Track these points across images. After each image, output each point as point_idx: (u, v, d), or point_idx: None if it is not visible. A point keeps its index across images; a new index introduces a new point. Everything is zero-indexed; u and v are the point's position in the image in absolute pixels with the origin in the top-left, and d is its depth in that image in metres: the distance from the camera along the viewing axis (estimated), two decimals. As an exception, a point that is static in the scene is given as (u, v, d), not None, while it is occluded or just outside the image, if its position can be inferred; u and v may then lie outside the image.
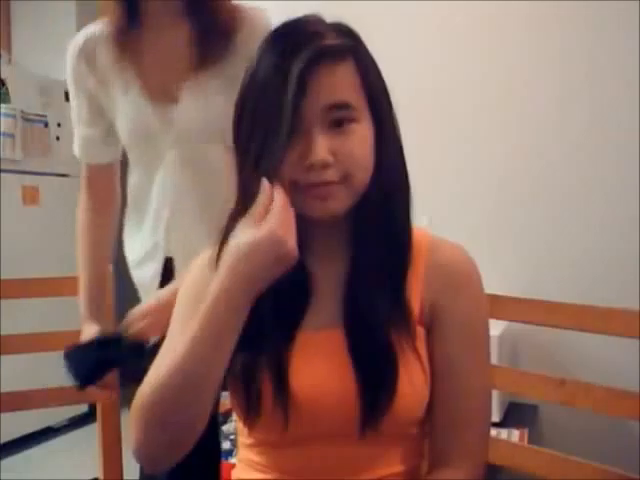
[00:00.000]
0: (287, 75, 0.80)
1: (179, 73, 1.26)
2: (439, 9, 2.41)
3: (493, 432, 1.57)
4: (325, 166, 0.81)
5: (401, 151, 0.89)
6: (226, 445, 1.84)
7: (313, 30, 0.84)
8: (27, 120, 3.21)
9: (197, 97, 1.25)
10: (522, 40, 2.32)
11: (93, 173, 1.41)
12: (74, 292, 1.44)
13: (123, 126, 1.31)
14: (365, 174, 0.84)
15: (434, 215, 2.01)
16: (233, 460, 1.48)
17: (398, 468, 0.89)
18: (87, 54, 1.32)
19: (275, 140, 0.80)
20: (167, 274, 1.32)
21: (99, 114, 1.36)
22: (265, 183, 0.79)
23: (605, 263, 2.22)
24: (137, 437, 0.81)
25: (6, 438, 3.02)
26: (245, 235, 0.78)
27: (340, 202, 0.83)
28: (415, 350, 0.86)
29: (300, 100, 0.80)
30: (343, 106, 0.82)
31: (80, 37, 1.33)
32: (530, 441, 1.88)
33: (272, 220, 0.77)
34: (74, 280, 1.37)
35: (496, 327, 1.78)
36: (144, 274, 1.36)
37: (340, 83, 0.82)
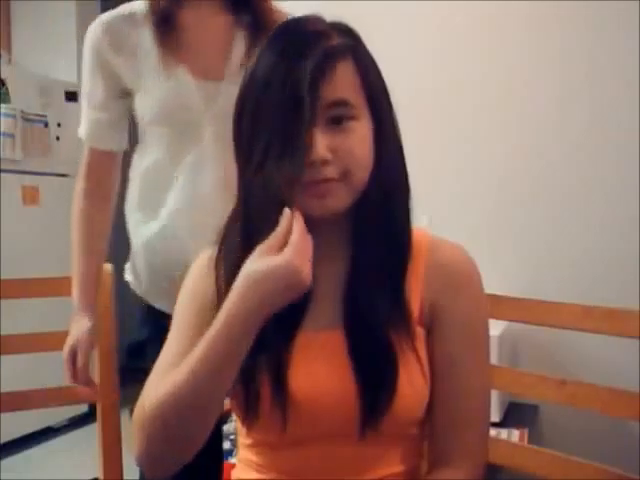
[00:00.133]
0: (290, 75, 0.80)
1: (223, 53, 1.28)
2: (439, 9, 2.41)
3: (493, 432, 1.57)
4: (324, 163, 0.81)
5: (401, 150, 0.90)
6: (226, 445, 1.84)
7: (314, 30, 0.84)
8: (27, 120, 3.21)
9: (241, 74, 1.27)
10: (522, 40, 2.32)
11: (95, 159, 1.39)
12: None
13: (154, 106, 1.30)
14: (364, 172, 0.84)
15: (434, 215, 2.00)
16: (233, 460, 1.48)
17: (398, 468, 0.89)
18: (113, 34, 1.31)
19: (279, 141, 0.80)
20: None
21: (116, 97, 1.35)
22: (286, 211, 0.79)
23: (605, 263, 2.21)
24: (140, 448, 0.82)
25: (6, 438, 3.02)
26: (261, 263, 0.77)
27: (339, 200, 0.83)
28: (415, 350, 0.86)
29: (316, 101, 0.79)
30: (342, 103, 0.82)
31: (105, 18, 1.33)
32: (530, 441, 1.88)
33: (290, 251, 0.76)
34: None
35: (496, 327, 1.78)
36: (166, 248, 1.33)
37: (340, 82, 0.82)
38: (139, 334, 1.41)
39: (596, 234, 2.24)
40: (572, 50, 2.26)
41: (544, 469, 1.15)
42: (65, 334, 1.34)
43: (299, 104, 0.79)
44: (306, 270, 0.76)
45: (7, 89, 3.12)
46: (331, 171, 0.81)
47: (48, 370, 2.51)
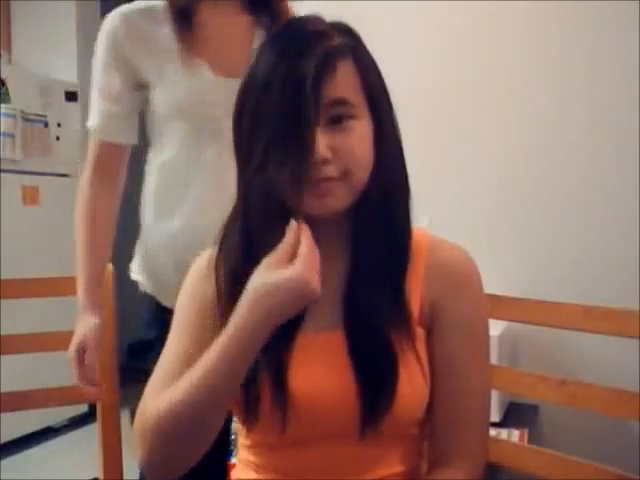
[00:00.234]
0: (291, 75, 0.80)
1: (243, 51, 1.28)
2: (439, 9, 2.40)
3: (493, 432, 1.56)
4: (325, 162, 0.81)
5: (401, 150, 0.90)
6: (226, 445, 1.83)
7: (314, 30, 0.84)
8: (27, 120, 3.21)
9: None
10: (522, 40, 2.32)
11: (104, 152, 1.37)
12: (74, 292, 1.44)
13: (173, 100, 1.30)
14: (364, 172, 0.84)
15: (434, 215, 2.00)
16: (233, 460, 1.48)
17: (398, 468, 0.89)
18: (131, 26, 1.32)
19: (281, 141, 0.80)
20: None
21: (131, 89, 1.34)
22: (293, 223, 0.79)
23: (605, 263, 2.21)
24: (142, 456, 0.82)
25: (6, 438, 3.02)
26: (271, 276, 0.76)
27: (339, 199, 0.83)
28: (415, 351, 0.86)
29: (318, 100, 0.79)
30: (342, 102, 0.82)
31: (123, 10, 1.33)
32: (530, 441, 1.88)
33: (300, 263, 0.76)
34: (74, 280, 1.37)
35: (496, 327, 1.78)
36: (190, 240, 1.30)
37: (340, 81, 0.82)
38: (145, 333, 1.40)
39: (596, 234, 2.23)
40: (572, 50, 2.26)
41: (544, 469, 1.15)
42: (65, 334, 1.34)
43: (301, 104, 0.79)
44: (315, 281, 0.76)
45: (7, 89, 3.12)
46: (331, 170, 0.81)
47: (48, 370, 2.51)
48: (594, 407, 1.11)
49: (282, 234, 0.82)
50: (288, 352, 0.84)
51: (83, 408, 3.29)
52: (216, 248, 0.91)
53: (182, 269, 1.30)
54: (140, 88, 1.34)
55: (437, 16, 2.42)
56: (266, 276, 0.77)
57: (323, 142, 0.80)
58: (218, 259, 0.90)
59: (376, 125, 0.86)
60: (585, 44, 2.25)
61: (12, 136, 3.12)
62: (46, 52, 3.63)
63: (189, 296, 0.92)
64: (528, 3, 2.29)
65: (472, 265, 0.92)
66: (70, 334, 1.42)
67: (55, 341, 1.39)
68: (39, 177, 3.29)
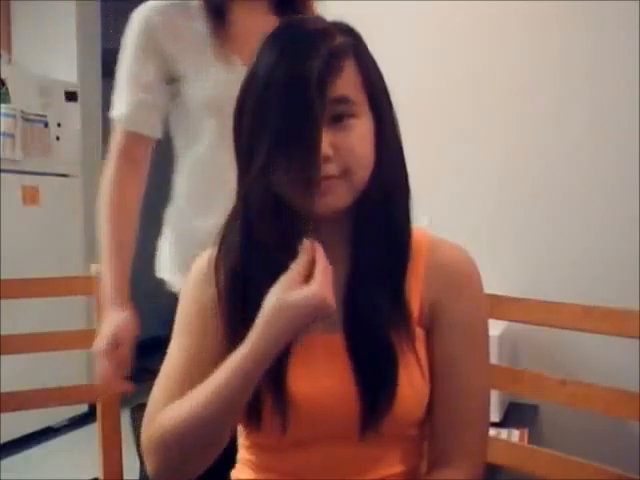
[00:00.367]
0: (295, 74, 0.79)
1: None
2: (439, 9, 2.41)
3: (493, 432, 1.57)
4: (326, 160, 0.80)
5: (401, 150, 0.89)
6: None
7: (316, 29, 0.84)
8: (27, 120, 3.21)
9: None
10: (522, 40, 2.32)
11: (130, 143, 1.34)
12: (74, 292, 1.44)
13: (206, 96, 1.29)
14: (365, 171, 0.84)
15: (434, 215, 2.00)
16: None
17: (398, 468, 0.89)
18: (167, 18, 1.32)
19: (286, 141, 0.79)
20: None
21: (162, 80, 1.33)
22: (307, 243, 0.80)
23: (605, 263, 2.21)
24: (157, 471, 0.83)
25: (6, 438, 3.02)
26: (288, 295, 0.77)
27: (339, 198, 0.83)
28: (415, 351, 0.86)
29: (323, 100, 0.79)
30: (343, 100, 0.82)
31: (157, 4, 1.33)
32: (530, 441, 1.88)
33: (317, 282, 0.77)
34: (74, 280, 1.37)
35: (496, 327, 1.78)
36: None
37: (343, 80, 0.82)
38: (162, 331, 1.38)
39: (596, 234, 2.24)
40: (572, 50, 2.26)
41: (544, 469, 1.15)
42: (65, 334, 1.34)
43: (306, 104, 0.79)
44: (330, 297, 0.77)
45: (7, 89, 3.12)
46: (332, 168, 0.81)
47: (48, 370, 2.52)
48: (594, 407, 1.11)
49: (282, 234, 0.83)
50: (288, 354, 0.84)
51: (83, 408, 3.29)
52: (216, 248, 0.91)
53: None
54: (171, 81, 1.33)
55: (437, 16, 2.42)
56: (283, 295, 0.77)
57: (325, 140, 0.80)
58: (218, 259, 0.89)
59: (377, 124, 0.85)
60: (585, 44, 2.25)
61: (12, 136, 3.12)
62: (46, 52, 3.63)
63: (189, 300, 0.92)
64: (528, 3, 2.29)
65: (472, 265, 0.92)
66: (70, 334, 1.42)
67: (55, 341, 1.39)
68: (39, 177, 3.29)
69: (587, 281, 2.21)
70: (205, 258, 0.93)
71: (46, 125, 3.33)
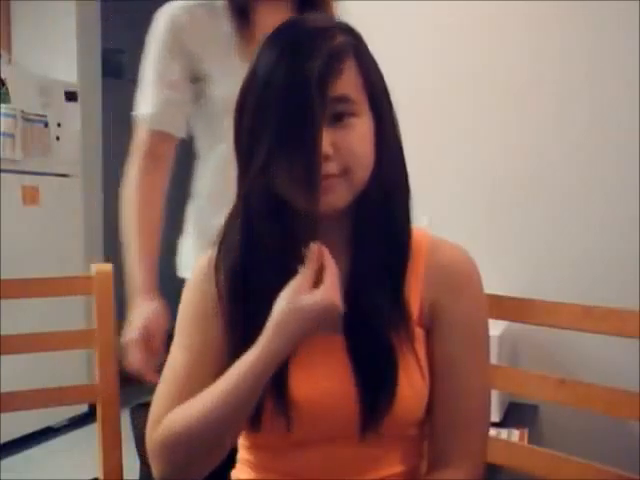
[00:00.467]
0: (296, 74, 0.79)
1: None
2: (439, 9, 2.41)
3: (493, 432, 1.57)
4: (326, 159, 0.80)
5: (401, 150, 0.89)
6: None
7: (316, 28, 0.84)
8: (27, 120, 3.21)
9: None
10: (522, 40, 2.32)
11: (155, 141, 1.35)
12: (74, 292, 1.44)
13: (230, 93, 1.29)
14: (364, 170, 0.84)
15: (434, 215, 2.00)
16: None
17: (398, 469, 0.89)
18: (193, 17, 1.32)
19: (286, 140, 0.79)
20: None
21: (187, 79, 1.34)
22: (314, 248, 0.80)
23: (605, 263, 2.21)
24: (159, 471, 0.84)
25: (6, 438, 3.02)
26: (298, 299, 0.78)
27: (339, 196, 0.83)
28: (414, 352, 0.86)
29: (324, 99, 0.79)
30: (344, 99, 0.82)
31: (183, 4, 1.34)
32: (530, 441, 1.88)
33: (327, 287, 0.79)
34: (74, 280, 1.37)
35: (496, 327, 1.78)
36: None
37: (343, 79, 0.82)
38: None
39: (596, 234, 2.24)
40: (572, 50, 2.26)
41: (544, 469, 1.15)
42: (65, 334, 1.34)
43: (307, 104, 0.78)
44: (339, 301, 0.79)
45: (7, 89, 3.12)
46: (332, 167, 0.81)
47: (48, 370, 2.52)
48: (594, 407, 1.11)
49: (282, 233, 0.83)
50: (289, 356, 0.84)
51: (83, 408, 3.29)
52: (216, 248, 0.91)
53: None
54: (195, 81, 1.34)
55: (437, 16, 2.42)
56: (294, 299, 0.78)
57: (326, 139, 0.80)
58: (218, 259, 0.90)
59: (377, 124, 0.85)
60: (585, 44, 2.25)
61: (12, 136, 3.11)
62: (46, 52, 3.63)
63: (191, 300, 0.92)
64: (528, 3, 2.29)
65: (472, 265, 0.92)
66: (70, 334, 1.42)
67: (55, 341, 1.39)
68: (39, 177, 3.29)
69: (587, 281, 2.21)
70: (206, 258, 0.93)
71: (46, 125, 3.33)
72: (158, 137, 1.35)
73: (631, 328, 1.06)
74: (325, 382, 0.85)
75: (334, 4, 1.36)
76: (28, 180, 3.23)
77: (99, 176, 3.82)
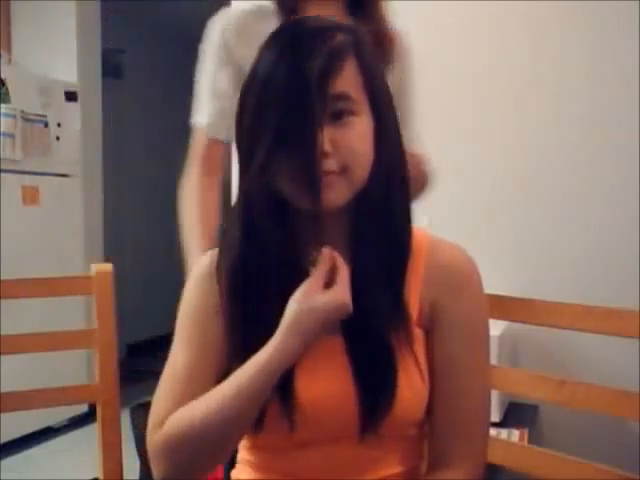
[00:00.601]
0: (296, 73, 0.79)
1: None
2: (439, 9, 2.41)
3: (493, 432, 1.56)
4: (325, 156, 0.80)
5: (401, 149, 0.89)
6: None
7: (317, 27, 0.84)
8: (27, 120, 3.21)
9: None
10: (522, 40, 2.32)
11: (212, 149, 1.41)
12: (74, 292, 1.44)
13: None
14: (364, 169, 0.84)
15: (434, 215, 2.00)
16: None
17: (398, 469, 0.89)
18: (240, 26, 1.35)
19: (286, 139, 0.79)
20: None
21: (238, 88, 1.36)
22: (326, 252, 0.82)
23: (605, 263, 2.22)
24: (161, 472, 0.84)
25: (6, 438, 3.02)
26: (311, 299, 0.80)
27: (338, 194, 0.83)
28: (414, 352, 0.86)
29: (324, 98, 0.79)
30: (344, 97, 0.82)
31: (231, 11, 1.37)
32: (530, 441, 1.88)
33: (340, 288, 0.81)
34: (74, 280, 1.37)
35: (496, 327, 1.78)
36: None
37: (344, 78, 0.82)
38: None
39: (596, 234, 2.24)
40: (572, 50, 2.26)
41: (544, 469, 1.15)
42: (65, 334, 1.33)
43: (306, 100, 0.79)
44: (349, 302, 0.81)
45: (7, 89, 3.12)
46: (332, 164, 0.81)
47: (48, 370, 2.52)
48: (594, 407, 1.11)
49: (282, 232, 0.84)
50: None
51: (83, 408, 3.29)
52: (218, 247, 0.91)
53: None
54: None
55: (437, 16, 2.42)
56: (307, 299, 0.80)
57: (324, 136, 0.80)
58: (220, 257, 0.90)
59: (377, 123, 0.85)
60: (585, 44, 2.25)
61: (12, 136, 3.11)
62: (46, 52, 3.63)
63: (190, 306, 0.91)
64: (528, 3, 2.29)
65: (472, 265, 0.92)
66: (70, 334, 1.42)
67: (55, 341, 1.39)
68: (39, 177, 3.29)
69: (587, 281, 2.21)
70: (208, 257, 0.93)
71: (46, 125, 3.33)
72: (213, 144, 1.41)
73: (631, 328, 1.06)
74: (325, 383, 0.85)
75: (383, 4, 1.38)
76: (28, 180, 3.23)
77: (99, 176, 3.82)
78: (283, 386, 0.83)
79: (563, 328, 1.18)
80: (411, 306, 0.88)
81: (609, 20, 2.21)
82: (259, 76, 0.83)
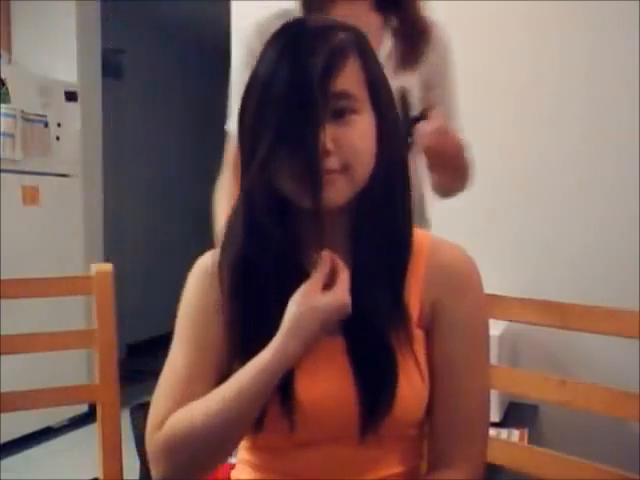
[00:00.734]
0: (298, 71, 0.79)
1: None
2: (439, 9, 2.40)
3: (493, 432, 1.56)
4: (327, 154, 0.80)
5: (402, 149, 0.89)
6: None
7: (318, 26, 0.84)
8: (27, 120, 3.21)
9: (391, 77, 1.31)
10: (522, 40, 2.32)
11: None
12: (74, 292, 1.44)
13: None
14: (365, 167, 0.84)
15: (434, 215, 2.00)
16: (233, 460, 1.49)
17: (398, 469, 0.89)
18: (268, 32, 1.35)
19: (287, 137, 0.80)
20: None
21: None
22: (325, 254, 0.83)
23: (605, 263, 2.22)
24: (160, 473, 0.84)
25: (6, 438, 3.02)
26: (311, 300, 0.80)
27: (339, 192, 0.82)
28: (414, 353, 0.86)
29: (326, 96, 0.79)
30: (345, 96, 0.82)
31: (259, 21, 1.37)
32: (530, 441, 1.88)
33: (340, 290, 0.81)
34: (74, 280, 1.37)
35: (496, 327, 1.78)
36: None
37: (345, 76, 0.82)
38: None
39: (596, 234, 2.24)
40: (572, 50, 2.26)
41: (544, 469, 1.15)
42: (66, 334, 1.33)
43: (307, 98, 0.79)
44: (349, 303, 0.81)
45: (7, 89, 3.12)
46: (333, 162, 0.81)
47: (48, 370, 2.52)
48: (594, 407, 1.11)
49: (284, 229, 0.84)
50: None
51: (83, 408, 3.29)
52: (220, 246, 0.91)
53: None
54: None
55: (437, 16, 2.42)
56: (306, 302, 0.80)
57: (326, 135, 0.80)
58: (222, 256, 0.89)
59: (378, 122, 0.85)
60: (585, 44, 2.25)
61: (12, 136, 3.11)
62: (46, 52, 3.63)
63: (190, 307, 0.91)
64: (528, 3, 2.29)
65: (472, 265, 0.92)
66: (70, 334, 1.42)
67: (55, 341, 1.39)
68: (39, 177, 3.29)
69: (587, 281, 2.21)
70: (208, 256, 0.93)
71: (46, 125, 3.33)
72: None
73: (631, 328, 1.06)
74: (325, 383, 0.85)
75: (421, 3, 1.38)
76: (28, 180, 3.23)
77: (99, 176, 3.82)
78: (283, 386, 0.83)
79: (563, 328, 1.18)
80: (411, 306, 0.88)
81: (609, 20, 2.21)
82: (261, 75, 0.83)
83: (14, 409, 1.40)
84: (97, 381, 1.36)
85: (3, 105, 3.08)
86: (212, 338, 0.88)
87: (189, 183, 5.51)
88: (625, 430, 2.14)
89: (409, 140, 1.26)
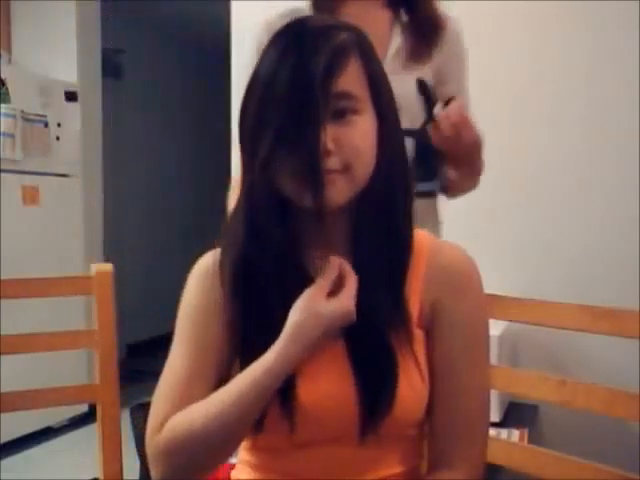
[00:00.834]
0: (299, 70, 0.79)
1: (382, 47, 1.31)
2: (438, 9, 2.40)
3: (493, 432, 1.56)
4: (327, 154, 0.80)
5: (403, 149, 0.89)
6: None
7: (319, 26, 0.84)
8: (27, 120, 3.21)
9: (399, 72, 1.29)
10: (522, 40, 2.32)
11: None
12: (74, 292, 1.44)
13: None
14: (366, 167, 0.84)
15: (434, 215, 2.00)
16: (233, 460, 1.49)
17: (398, 469, 0.89)
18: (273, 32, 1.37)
19: (288, 136, 0.79)
20: None
21: None
22: (334, 260, 0.83)
23: (605, 263, 2.22)
24: (159, 474, 0.84)
25: (6, 438, 3.02)
26: (321, 305, 0.81)
27: (340, 191, 0.82)
28: (414, 353, 0.86)
29: (327, 95, 0.79)
30: (347, 96, 0.82)
31: (268, 20, 1.36)
32: (530, 441, 1.88)
33: (347, 295, 0.81)
34: (74, 280, 1.37)
35: (496, 327, 1.78)
36: None
37: (347, 76, 0.82)
38: None
39: (596, 234, 2.24)
40: (572, 50, 2.26)
41: (544, 469, 1.15)
42: (65, 334, 1.33)
43: (308, 98, 0.79)
44: (354, 309, 0.81)
45: (7, 89, 3.12)
46: (334, 162, 0.81)
47: (48, 370, 2.52)
48: (594, 407, 1.11)
49: (284, 229, 0.84)
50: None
51: (83, 408, 3.29)
52: (221, 246, 0.91)
53: None
54: None
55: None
56: (310, 307, 0.81)
57: (327, 134, 0.80)
58: (223, 256, 0.89)
59: (380, 122, 0.85)
60: (585, 44, 2.25)
61: (12, 136, 3.11)
62: (46, 52, 3.63)
63: (190, 308, 0.91)
64: (528, 3, 2.29)
65: (472, 265, 0.92)
66: (70, 334, 1.42)
67: (55, 341, 1.39)
68: (39, 177, 3.29)
69: (587, 281, 2.21)
70: (209, 256, 0.93)
71: (46, 125, 3.33)
72: None
73: (631, 328, 1.06)
74: (325, 384, 0.85)
75: (436, 2, 1.37)
76: (28, 180, 3.23)
77: (99, 176, 3.82)
78: (284, 388, 0.83)
79: (563, 328, 1.18)
80: (412, 306, 0.88)
81: (609, 20, 2.21)
82: (262, 74, 0.83)
83: (14, 409, 1.40)
84: (97, 381, 1.36)
85: (3, 105, 3.08)
86: (212, 338, 0.88)
87: (189, 183, 5.51)
88: (625, 430, 2.14)
89: (427, 128, 1.25)
